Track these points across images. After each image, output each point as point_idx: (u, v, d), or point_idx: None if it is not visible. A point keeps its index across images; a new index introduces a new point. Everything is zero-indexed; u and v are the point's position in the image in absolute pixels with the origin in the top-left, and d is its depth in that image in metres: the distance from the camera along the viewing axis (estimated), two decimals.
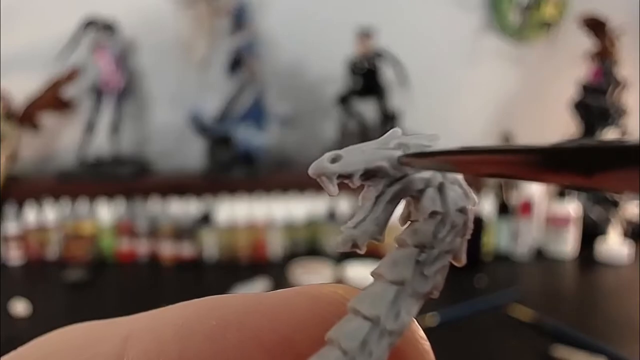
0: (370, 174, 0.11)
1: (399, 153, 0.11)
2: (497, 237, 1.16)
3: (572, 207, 1.16)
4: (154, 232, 1.14)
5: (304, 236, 1.16)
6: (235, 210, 1.14)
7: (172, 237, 1.13)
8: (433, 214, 0.11)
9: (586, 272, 1.12)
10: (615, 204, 1.24)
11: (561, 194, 1.18)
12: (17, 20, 1.35)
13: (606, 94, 1.23)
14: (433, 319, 0.82)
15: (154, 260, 1.14)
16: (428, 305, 0.86)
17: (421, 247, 0.11)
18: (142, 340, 0.12)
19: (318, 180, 0.11)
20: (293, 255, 1.12)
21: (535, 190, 1.16)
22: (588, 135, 1.25)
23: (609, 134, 1.24)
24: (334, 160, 0.11)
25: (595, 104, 1.23)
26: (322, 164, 0.11)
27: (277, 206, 1.14)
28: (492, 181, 1.25)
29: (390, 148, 0.11)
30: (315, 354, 0.11)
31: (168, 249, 1.13)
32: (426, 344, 0.12)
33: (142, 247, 1.15)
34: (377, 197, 0.12)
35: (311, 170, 0.11)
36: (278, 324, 0.12)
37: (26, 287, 1.04)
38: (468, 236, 0.12)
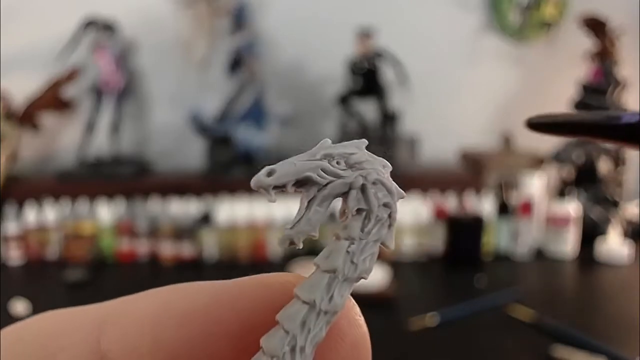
0: (301, 183, 0.13)
1: (325, 163, 0.14)
2: (497, 237, 1.16)
3: (572, 207, 1.16)
4: (154, 232, 1.14)
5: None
6: (235, 210, 1.14)
7: (172, 237, 1.13)
8: (359, 210, 0.14)
9: (586, 272, 1.12)
10: (615, 204, 1.24)
11: (561, 194, 1.18)
12: (17, 20, 1.35)
13: (606, 94, 1.23)
14: (433, 319, 0.82)
15: (154, 260, 1.14)
16: (428, 306, 0.86)
17: (351, 240, 0.13)
18: (116, 327, 0.13)
19: (259, 191, 0.13)
20: (293, 255, 1.12)
21: (535, 190, 1.16)
22: None
23: None
24: (269, 174, 0.13)
25: (596, 104, 1.23)
26: (259, 178, 0.13)
27: (277, 206, 1.14)
28: (492, 181, 1.25)
29: (317, 159, 0.14)
30: (267, 333, 0.13)
31: (168, 249, 1.13)
32: (361, 320, 0.14)
33: (142, 247, 1.15)
34: (309, 201, 0.14)
35: (251, 184, 0.13)
36: (241, 313, 0.13)
37: (26, 287, 1.04)
38: (394, 226, 0.14)
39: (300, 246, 0.14)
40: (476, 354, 0.76)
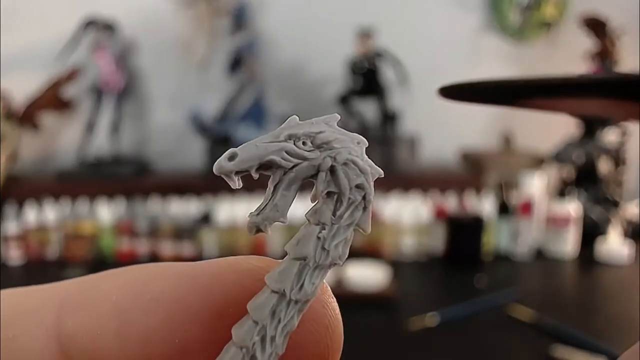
0: (265, 167, 0.13)
1: (289, 145, 0.13)
2: (497, 237, 1.16)
3: (572, 207, 1.15)
4: (154, 232, 1.14)
5: None
6: (235, 210, 1.14)
7: (172, 237, 1.13)
8: (329, 194, 0.13)
9: (586, 272, 1.12)
10: (615, 204, 1.24)
11: (561, 194, 1.18)
12: (17, 20, 1.35)
13: None
14: (433, 319, 0.82)
15: (154, 260, 1.14)
16: (428, 306, 0.86)
17: (322, 225, 0.13)
18: (77, 313, 0.13)
19: (222, 177, 0.13)
20: None
21: (535, 190, 1.16)
22: (588, 135, 1.25)
23: (609, 135, 1.24)
24: (231, 158, 0.12)
25: None
26: (220, 163, 0.12)
27: None
28: (492, 181, 1.25)
29: (280, 141, 0.13)
30: (238, 322, 0.12)
31: (168, 249, 1.13)
32: (334, 302, 0.13)
33: (142, 247, 1.15)
34: (275, 186, 0.13)
35: (214, 169, 0.12)
36: (212, 298, 0.12)
37: None
38: (370, 208, 0.13)
39: (269, 232, 0.13)
40: (476, 354, 0.76)
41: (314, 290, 0.12)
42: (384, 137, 1.28)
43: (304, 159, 0.13)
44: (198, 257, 1.13)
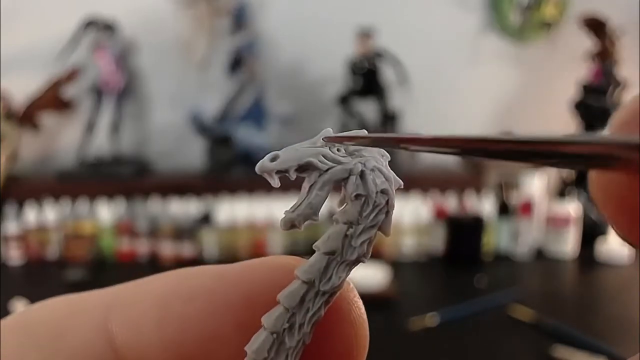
0: (303, 168, 0.14)
1: (326, 150, 0.14)
2: (498, 237, 1.16)
3: (572, 207, 1.15)
4: (154, 232, 1.14)
5: (304, 236, 1.16)
6: (235, 210, 1.14)
7: (172, 237, 1.13)
8: (357, 196, 0.14)
9: (586, 272, 1.12)
10: None
11: (561, 194, 1.18)
12: (17, 20, 1.35)
13: (606, 94, 1.23)
14: (433, 319, 0.82)
15: (154, 260, 1.14)
16: (428, 306, 0.86)
17: (349, 224, 0.14)
18: (123, 309, 0.14)
19: (263, 176, 0.14)
20: (293, 255, 1.12)
21: (535, 190, 1.16)
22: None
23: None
24: (272, 159, 0.14)
25: (596, 104, 1.23)
26: (263, 162, 0.14)
27: (277, 206, 1.14)
28: (492, 181, 1.25)
29: (318, 146, 0.14)
30: (268, 312, 0.13)
31: (168, 249, 1.13)
32: (359, 301, 0.14)
33: (142, 247, 1.15)
34: (310, 186, 0.14)
35: (256, 169, 0.14)
36: (244, 291, 0.14)
37: (26, 287, 1.04)
38: (392, 212, 0.14)
39: (302, 229, 0.14)
40: (476, 354, 0.76)
41: (340, 283, 0.13)
42: None
43: (339, 162, 0.14)
44: (198, 257, 1.13)
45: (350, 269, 0.14)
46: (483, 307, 0.87)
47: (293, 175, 0.14)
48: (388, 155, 0.15)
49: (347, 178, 0.14)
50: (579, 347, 0.73)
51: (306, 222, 0.14)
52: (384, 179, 0.14)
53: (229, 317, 0.13)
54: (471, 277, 1.02)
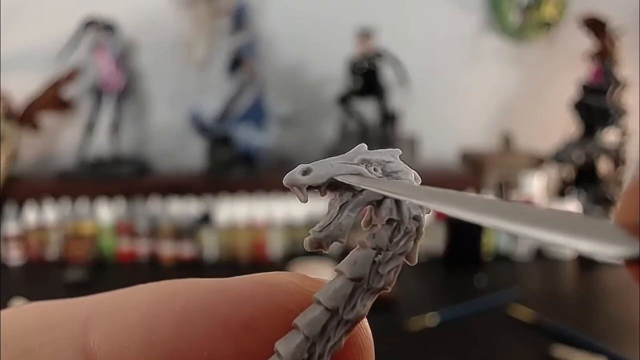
0: (335, 186, 0.13)
1: (362, 168, 0.13)
2: (497, 237, 1.16)
3: (572, 207, 1.15)
4: (154, 232, 1.14)
5: (304, 236, 1.16)
6: (235, 210, 1.14)
7: (172, 237, 1.13)
8: (390, 221, 0.13)
9: (586, 272, 1.12)
10: (615, 204, 1.24)
11: (561, 194, 1.18)
12: (17, 20, 1.35)
13: (606, 94, 1.23)
14: (433, 319, 0.82)
15: (154, 260, 1.14)
16: (428, 305, 0.86)
17: (378, 249, 0.13)
18: (104, 325, 0.12)
19: (291, 189, 0.13)
20: (293, 255, 1.12)
21: (535, 190, 1.16)
22: (588, 135, 1.25)
23: (609, 135, 1.24)
24: (305, 172, 0.13)
25: (596, 104, 1.23)
26: (294, 175, 0.13)
27: (277, 206, 1.14)
28: (492, 181, 1.25)
29: (354, 163, 0.13)
30: (282, 337, 0.12)
31: (168, 249, 1.13)
32: (366, 322, 0.14)
33: (142, 247, 1.15)
34: (341, 206, 0.13)
35: (285, 181, 0.13)
36: (242, 311, 0.12)
37: (26, 287, 1.04)
38: (420, 240, 0.13)
39: (328, 250, 0.14)
40: (476, 354, 0.76)
41: (364, 312, 0.13)
42: (384, 137, 1.28)
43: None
44: (198, 257, 1.14)
45: (374, 298, 0.13)
46: (483, 307, 0.87)
47: (324, 193, 0.13)
48: (420, 179, 0.14)
49: (382, 201, 0.13)
50: (579, 347, 0.73)
51: (332, 243, 0.13)
52: (416, 205, 0.13)
53: (226, 339, 0.12)
54: (471, 277, 1.02)
